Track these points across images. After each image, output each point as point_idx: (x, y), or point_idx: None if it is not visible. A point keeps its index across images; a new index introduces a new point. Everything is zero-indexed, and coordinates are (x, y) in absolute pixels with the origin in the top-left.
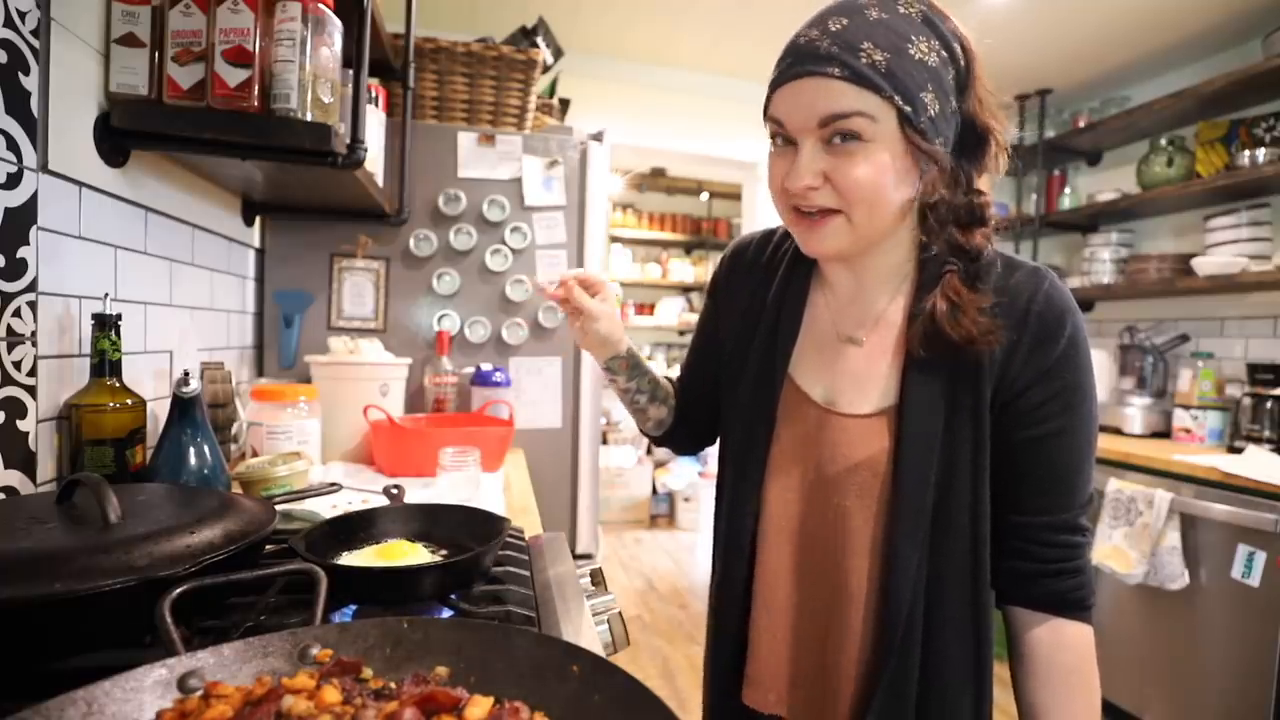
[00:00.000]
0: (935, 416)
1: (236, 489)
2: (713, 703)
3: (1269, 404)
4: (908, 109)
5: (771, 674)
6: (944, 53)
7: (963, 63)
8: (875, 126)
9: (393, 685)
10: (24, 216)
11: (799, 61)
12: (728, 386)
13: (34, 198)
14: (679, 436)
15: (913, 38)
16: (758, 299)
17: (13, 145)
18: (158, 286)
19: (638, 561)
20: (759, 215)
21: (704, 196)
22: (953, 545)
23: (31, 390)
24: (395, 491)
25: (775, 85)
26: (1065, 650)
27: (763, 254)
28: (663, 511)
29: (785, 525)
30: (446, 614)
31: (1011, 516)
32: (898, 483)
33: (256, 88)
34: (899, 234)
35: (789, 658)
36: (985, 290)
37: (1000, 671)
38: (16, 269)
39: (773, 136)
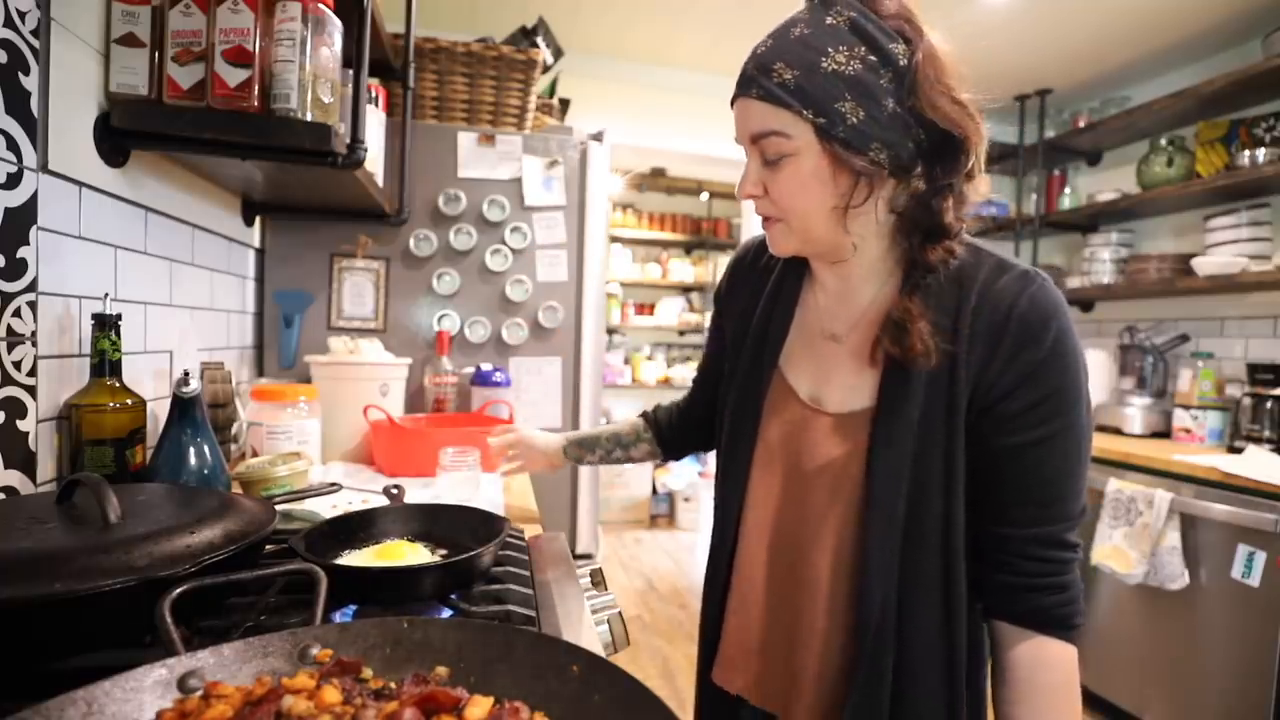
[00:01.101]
0: (908, 423)
1: (236, 489)
2: (697, 684)
3: (1269, 404)
4: (821, 121)
5: (738, 657)
6: (872, 57)
7: (903, 61)
8: (792, 141)
9: (393, 685)
10: (24, 216)
11: (736, 85)
12: (724, 382)
13: (34, 198)
14: (679, 451)
15: (829, 49)
16: (755, 298)
17: (13, 145)
18: (158, 286)
19: (638, 561)
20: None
21: (704, 196)
22: (924, 560)
23: (31, 390)
24: (395, 491)
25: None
26: (1047, 669)
27: (761, 257)
28: (663, 511)
29: (764, 517)
30: (446, 614)
31: (995, 528)
32: (870, 486)
33: (256, 88)
34: (867, 233)
35: (756, 643)
36: (946, 306)
37: None
38: (16, 269)
39: None
